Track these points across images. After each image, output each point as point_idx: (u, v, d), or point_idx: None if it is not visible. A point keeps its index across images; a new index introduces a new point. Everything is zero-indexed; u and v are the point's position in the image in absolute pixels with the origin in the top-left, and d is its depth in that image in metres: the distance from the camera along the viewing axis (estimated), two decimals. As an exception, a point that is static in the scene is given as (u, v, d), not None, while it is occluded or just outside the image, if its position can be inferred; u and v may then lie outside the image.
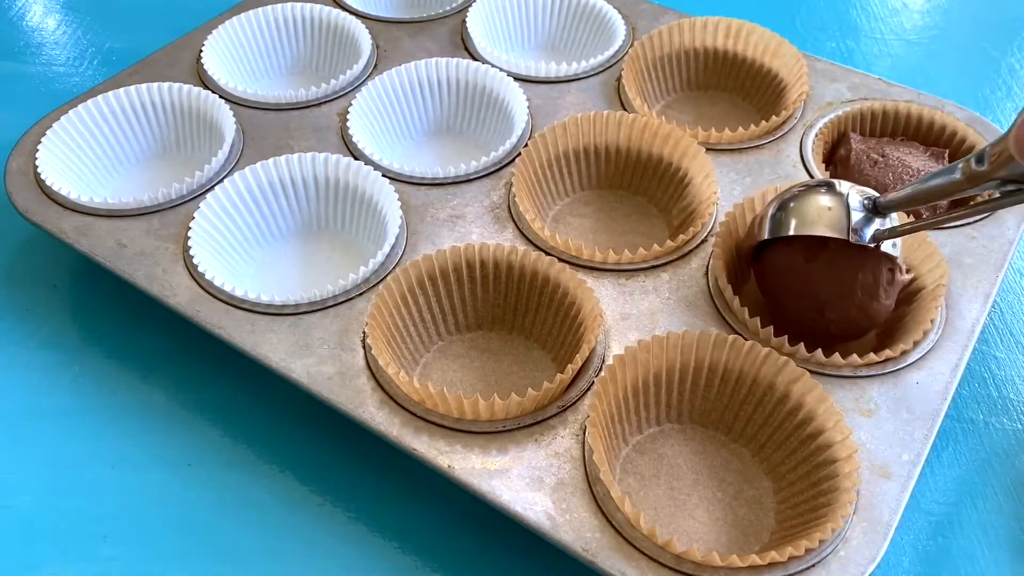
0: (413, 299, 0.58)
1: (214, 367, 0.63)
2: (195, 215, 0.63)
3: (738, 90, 0.79)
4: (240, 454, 0.58)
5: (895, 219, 0.56)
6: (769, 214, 0.58)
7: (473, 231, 0.64)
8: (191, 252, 0.61)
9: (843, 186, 0.56)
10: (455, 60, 0.74)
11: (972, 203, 0.55)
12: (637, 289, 0.61)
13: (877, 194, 0.55)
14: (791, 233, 0.56)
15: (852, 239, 0.54)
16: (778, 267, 0.58)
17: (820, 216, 0.55)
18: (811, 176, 0.69)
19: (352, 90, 0.75)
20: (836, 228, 0.54)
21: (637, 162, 0.70)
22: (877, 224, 0.55)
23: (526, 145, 0.67)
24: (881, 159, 0.70)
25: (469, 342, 0.61)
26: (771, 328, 0.56)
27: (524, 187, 0.65)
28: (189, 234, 0.62)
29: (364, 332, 0.57)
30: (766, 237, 0.57)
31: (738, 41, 0.78)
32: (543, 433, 0.52)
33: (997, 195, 0.47)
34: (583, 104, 0.75)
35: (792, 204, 0.57)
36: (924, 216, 0.64)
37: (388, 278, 0.57)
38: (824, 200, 0.55)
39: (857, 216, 0.54)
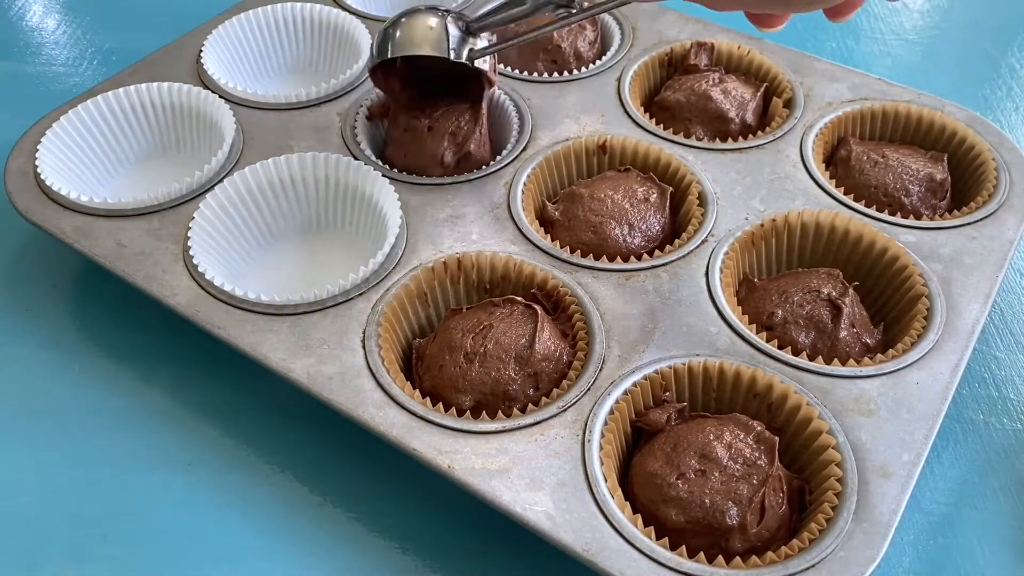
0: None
1: (214, 367, 0.63)
2: (195, 215, 0.63)
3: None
4: (240, 454, 0.58)
5: (485, 39, 0.66)
6: (377, 41, 0.66)
7: (473, 231, 0.64)
8: (191, 252, 0.61)
9: (439, 10, 0.65)
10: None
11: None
12: (637, 289, 0.61)
13: (470, 16, 0.65)
14: (398, 54, 0.64)
15: (452, 57, 0.63)
16: (394, 92, 0.70)
17: (424, 37, 0.64)
18: (813, 178, 0.69)
19: (352, 90, 0.75)
20: (438, 47, 0.63)
21: None
22: (471, 44, 0.65)
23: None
24: (881, 160, 0.70)
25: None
26: None
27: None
28: (189, 234, 0.62)
29: (364, 332, 0.57)
30: (378, 60, 0.66)
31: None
32: (543, 433, 0.52)
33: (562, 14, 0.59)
34: (583, 104, 0.75)
35: (399, 26, 0.65)
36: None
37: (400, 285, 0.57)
38: (427, 22, 0.64)
39: (455, 37, 0.64)
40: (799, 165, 0.70)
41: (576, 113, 0.74)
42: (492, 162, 0.70)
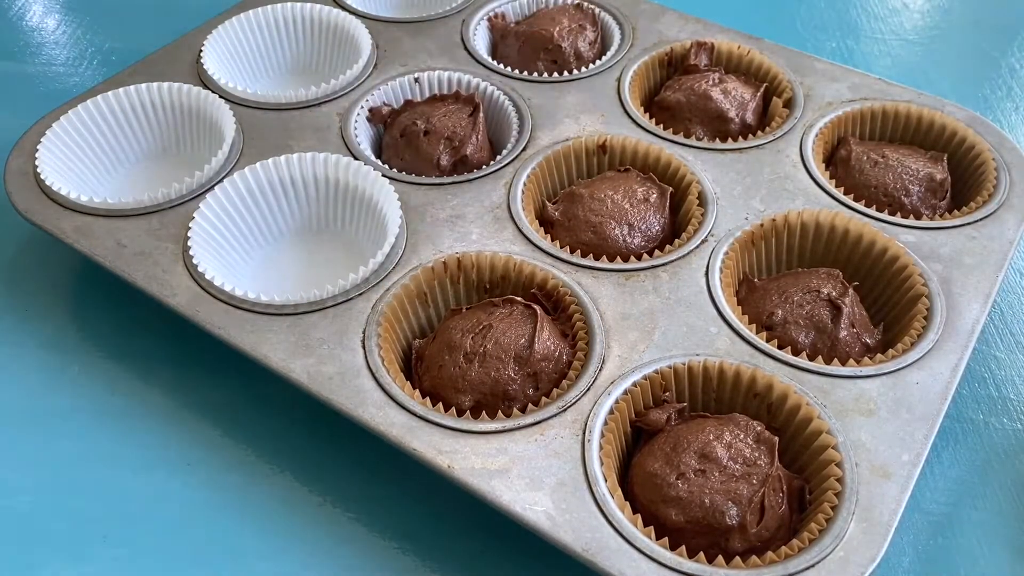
0: None
1: (214, 367, 0.63)
2: (194, 215, 0.63)
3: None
4: (240, 454, 0.58)
5: None
6: None
7: (473, 231, 0.64)
8: (190, 252, 0.61)
9: None
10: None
11: None
12: (637, 289, 0.60)
13: None
14: None
15: None
16: None
17: None
18: (812, 178, 0.68)
19: (352, 90, 0.75)
20: None
21: None
22: None
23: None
24: (881, 160, 0.70)
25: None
26: None
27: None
28: (188, 234, 0.62)
29: (364, 332, 0.57)
30: None
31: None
32: (543, 433, 0.52)
33: None
34: (583, 104, 0.75)
35: None
36: None
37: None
38: None
39: None
40: (799, 165, 0.70)
41: (576, 113, 0.74)
42: (492, 162, 0.70)
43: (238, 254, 0.66)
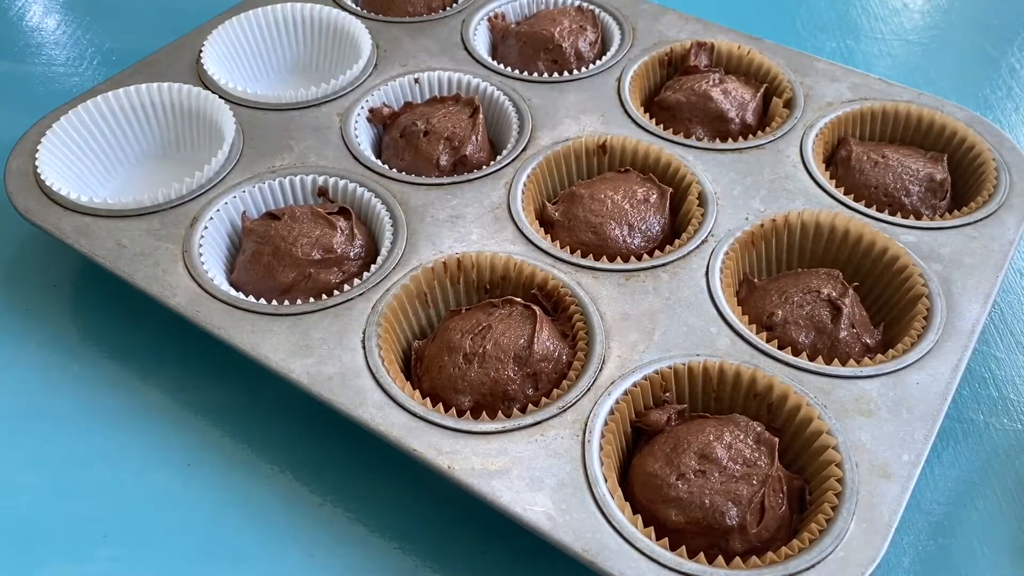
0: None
1: (214, 367, 0.63)
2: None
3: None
4: (240, 454, 0.58)
5: None
6: None
7: (473, 231, 0.64)
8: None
9: None
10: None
11: None
12: (637, 289, 0.60)
13: None
14: None
15: None
16: None
17: None
18: (813, 178, 0.68)
19: (352, 90, 0.75)
20: None
21: None
22: None
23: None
24: (881, 160, 0.70)
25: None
26: None
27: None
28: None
29: (364, 332, 0.57)
30: None
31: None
32: (543, 433, 0.52)
33: None
34: (583, 104, 0.75)
35: None
36: None
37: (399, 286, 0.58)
38: None
39: None
40: (799, 165, 0.70)
41: (576, 113, 0.74)
42: (492, 162, 0.70)
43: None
